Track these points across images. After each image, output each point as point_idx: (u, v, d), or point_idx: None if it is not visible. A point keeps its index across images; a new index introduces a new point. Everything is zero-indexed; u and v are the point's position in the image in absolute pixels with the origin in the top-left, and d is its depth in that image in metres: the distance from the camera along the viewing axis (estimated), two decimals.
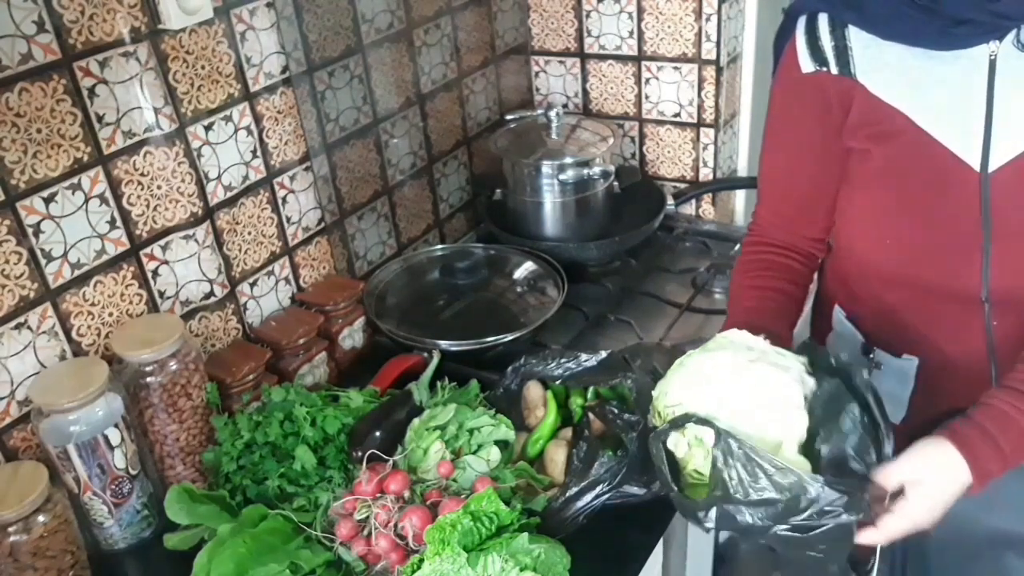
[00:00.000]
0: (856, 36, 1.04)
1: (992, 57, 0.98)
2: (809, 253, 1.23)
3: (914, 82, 1.02)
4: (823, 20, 1.06)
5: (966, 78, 0.99)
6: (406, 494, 1.11)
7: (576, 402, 1.27)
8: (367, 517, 1.09)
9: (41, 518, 1.02)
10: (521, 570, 0.97)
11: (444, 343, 1.44)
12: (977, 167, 1.00)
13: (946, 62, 1.00)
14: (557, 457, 1.20)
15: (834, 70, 1.06)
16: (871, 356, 1.19)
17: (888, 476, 0.98)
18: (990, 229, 1.01)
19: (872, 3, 1.01)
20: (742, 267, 1.26)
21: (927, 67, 1.01)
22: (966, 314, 1.08)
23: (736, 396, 0.97)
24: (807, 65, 1.07)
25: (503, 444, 1.22)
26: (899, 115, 1.03)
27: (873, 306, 1.17)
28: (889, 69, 1.03)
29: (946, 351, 1.12)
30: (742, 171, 2.05)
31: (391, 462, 1.16)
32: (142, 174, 1.22)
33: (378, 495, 1.11)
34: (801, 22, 1.08)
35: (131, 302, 1.24)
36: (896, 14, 1.00)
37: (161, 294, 1.28)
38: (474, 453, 1.18)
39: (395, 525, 1.07)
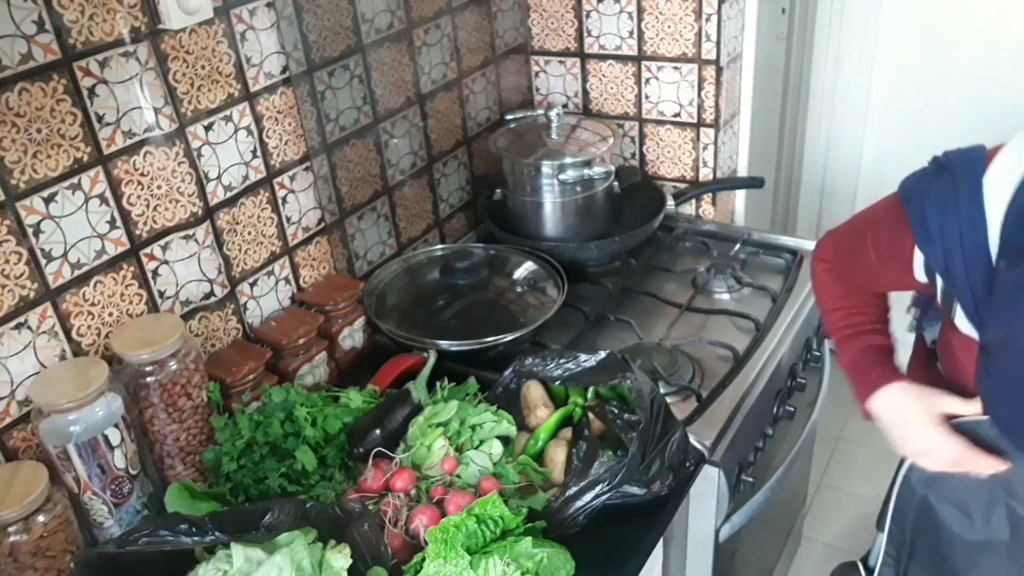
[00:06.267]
0: None
1: None
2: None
3: None
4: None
5: None
6: (412, 491, 1.11)
7: (576, 402, 1.27)
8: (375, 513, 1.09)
9: (41, 518, 1.02)
10: (523, 574, 0.97)
11: (444, 343, 1.44)
12: None
13: None
14: (557, 457, 1.20)
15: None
16: None
17: None
18: None
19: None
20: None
21: None
22: None
23: None
24: (920, 273, 1.03)
25: (505, 439, 1.22)
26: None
27: None
28: None
29: None
30: (742, 171, 2.05)
31: (397, 460, 1.16)
32: (142, 174, 1.22)
33: (383, 492, 1.11)
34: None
35: (131, 302, 1.24)
36: None
37: (161, 294, 1.28)
38: (476, 448, 1.18)
39: (402, 522, 1.07)
